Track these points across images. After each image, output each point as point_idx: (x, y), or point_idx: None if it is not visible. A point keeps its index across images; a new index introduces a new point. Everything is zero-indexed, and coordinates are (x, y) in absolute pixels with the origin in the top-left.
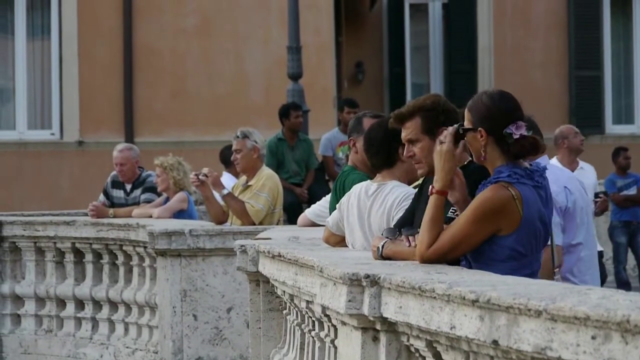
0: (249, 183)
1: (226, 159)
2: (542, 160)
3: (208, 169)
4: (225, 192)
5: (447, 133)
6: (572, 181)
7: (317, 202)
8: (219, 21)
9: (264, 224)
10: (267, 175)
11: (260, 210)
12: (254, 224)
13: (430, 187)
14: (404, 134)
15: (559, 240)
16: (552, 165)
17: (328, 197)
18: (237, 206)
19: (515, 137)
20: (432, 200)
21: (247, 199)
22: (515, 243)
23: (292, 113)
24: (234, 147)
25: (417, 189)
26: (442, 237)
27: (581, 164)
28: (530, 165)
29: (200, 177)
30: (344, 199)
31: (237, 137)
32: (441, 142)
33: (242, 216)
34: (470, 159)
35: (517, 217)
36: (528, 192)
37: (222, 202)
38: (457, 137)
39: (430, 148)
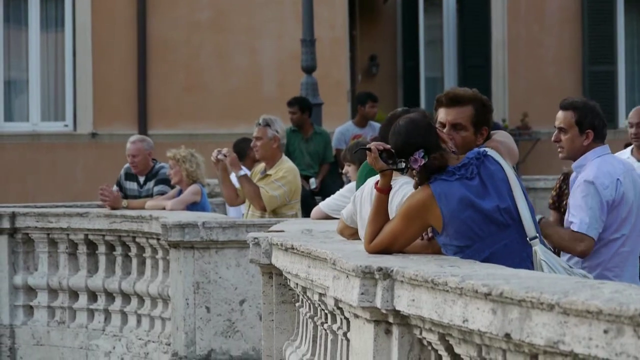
0: (268, 172)
1: (240, 151)
2: (602, 150)
3: (227, 149)
4: (241, 173)
5: (376, 156)
6: (630, 173)
7: (332, 195)
8: (233, 14)
9: (284, 212)
10: (287, 168)
11: (274, 197)
12: (266, 210)
13: (374, 183)
14: (452, 116)
15: (581, 228)
16: (610, 156)
17: (343, 190)
18: (251, 189)
19: (417, 169)
20: (375, 197)
21: (264, 185)
22: (450, 239)
23: (288, 109)
24: (254, 134)
25: None
26: (382, 232)
27: None
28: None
29: (219, 156)
30: (357, 193)
31: (259, 124)
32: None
33: (255, 199)
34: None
35: (439, 213)
36: (446, 186)
37: (237, 185)
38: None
39: (471, 141)
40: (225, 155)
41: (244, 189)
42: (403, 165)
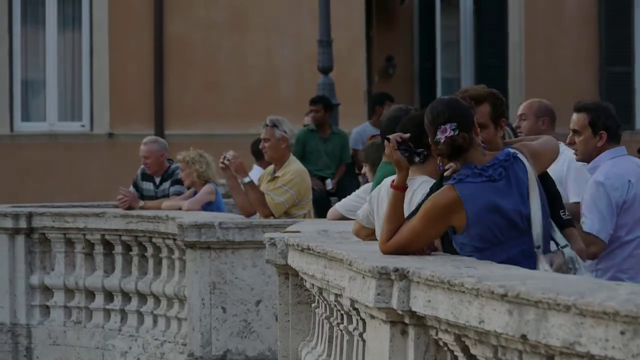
0: (276, 174)
1: (257, 151)
2: (617, 151)
3: (232, 153)
4: (246, 180)
5: (394, 148)
6: None
7: (348, 196)
8: (250, 14)
9: (295, 212)
10: (294, 171)
11: (281, 204)
12: (273, 216)
13: (391, 181)
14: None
15: (592, 230)
16: (625, 158)
17: (359, 190)
18: (256, 196)
19: (442, 140)
20: (391, 195)
21: (271, 190)
22: (470, 240)
23: (311, 107)
24: (262, 136)
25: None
26: (401, 231)
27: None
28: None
29: (225, 161)
30: (374, 192)
31: (266, 125)
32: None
33: (260, 206)
34: None
35: (464, 215)
36: (473, 189)
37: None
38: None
39: (493, 137)
40: (229, 160)
41: (248, 196)
42: (418, 158)
